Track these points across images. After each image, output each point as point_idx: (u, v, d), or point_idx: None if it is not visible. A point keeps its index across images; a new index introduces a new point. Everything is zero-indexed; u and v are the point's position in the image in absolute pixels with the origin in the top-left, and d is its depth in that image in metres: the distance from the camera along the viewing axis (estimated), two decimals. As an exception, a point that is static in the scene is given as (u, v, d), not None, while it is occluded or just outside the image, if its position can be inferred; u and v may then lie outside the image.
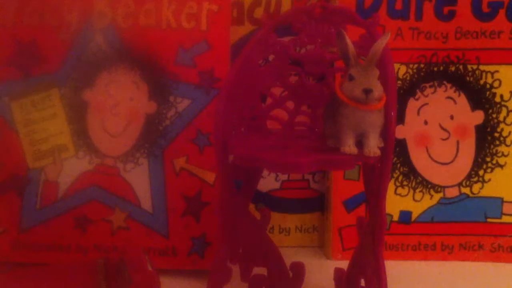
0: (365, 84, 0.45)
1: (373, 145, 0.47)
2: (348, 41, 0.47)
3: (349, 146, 0.47)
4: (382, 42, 0.47)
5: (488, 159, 0.69)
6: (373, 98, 0.45)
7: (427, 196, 0.70)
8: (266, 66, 0.57)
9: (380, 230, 0.51)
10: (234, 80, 0.51)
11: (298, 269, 0.56)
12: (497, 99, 0.69)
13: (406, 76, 0.69)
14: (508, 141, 0.69)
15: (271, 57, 0.58)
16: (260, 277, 0.56)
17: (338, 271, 0.57)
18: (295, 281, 0.56)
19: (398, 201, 0.70)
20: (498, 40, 0.68)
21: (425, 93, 0.69)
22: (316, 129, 0.57)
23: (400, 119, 0.69)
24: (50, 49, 0.63)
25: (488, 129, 0.69)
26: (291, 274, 0.56)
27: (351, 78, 0.46)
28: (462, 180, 0.70)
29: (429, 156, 0.70)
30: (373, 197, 0.52)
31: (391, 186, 0.69)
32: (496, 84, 0.69)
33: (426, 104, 0.69)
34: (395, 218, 0.70)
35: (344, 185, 0.69)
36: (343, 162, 0.47)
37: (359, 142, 0.48)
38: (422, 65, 0.69)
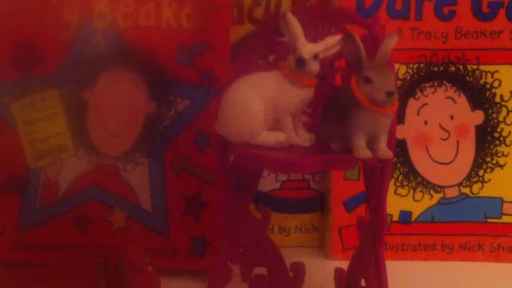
0: (386, 86, 0.44)
1: (385, 148, 0.47)
2: (359, 42, 0.46)
3: (364, 150, 0.46)
4: (391, 43, 0.46)
5: (488, 159, 0.69)
6: (394, 101, 0.45)
7: (427, 196, 0.70)
8: (266, 66, 0.57)
9: (380, 230, 0.51)
10: (234, 80, 0.51)
11: (299, 269, 0.56)
12: (497, 99, 0.69)
13: (406, 76, 0.69)
14: (508, 141, 0.69)
15: (271, 57, 0.58)
16: (260, 277, 0.56)
17: (338, 271, 0.57)
18: (295, 281, 0.56)
19: (398, 201, 0.70)
20: (498, 40, 0.68)
21: (425, 93, 0.69)
22: (317, 129, 0.57)
23: (400, 119, 0.69)
24: (50, 49, 0.63)
25: (488, 129, 0.69)
26: (291, 274, 0.56)
27: (368, 81, 0.45)
28: (462, 180, 0.70)
29: (429, 156, 0.70)
30: (373, 197, 0.52)
31: (391, 186, 0.69)
32: (496, 84, 0.69)
33: (426, 104, 0.69)
34: (395, 218, 0.70)
35: (344, 185, 0.69)
36: (344, 162, 0.47)
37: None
38: (422, 65, 0.69)
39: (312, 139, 0.50)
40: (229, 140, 0.50)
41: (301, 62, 0.47)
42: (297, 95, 0.48)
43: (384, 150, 0.47)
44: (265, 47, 0.56)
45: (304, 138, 0.50)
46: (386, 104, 0.45)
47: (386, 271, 0.50)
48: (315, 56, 0.48)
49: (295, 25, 0.48)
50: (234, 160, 0.50)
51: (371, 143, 0.46)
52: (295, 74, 0.48)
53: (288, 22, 0.48)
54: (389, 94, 0.44)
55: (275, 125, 0.50)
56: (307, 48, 0.48)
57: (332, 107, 0.49)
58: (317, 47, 0.48)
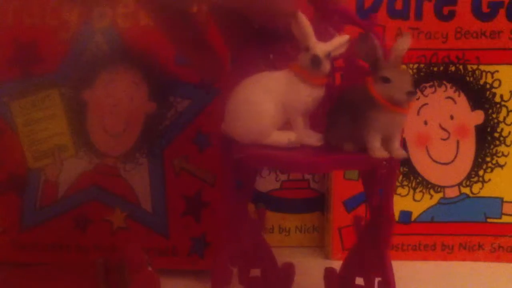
0: (406, 86, 0.44)
1: (399, 147, 0.46)
2: (377, 42, 0.46)
3: (380, 150, 0.46)
4: (405, 42, 0.46)
5: (488, 159, 0.69)
6: (414, 100, 0.45)
7: (427, 196, 0.70)
8: (265, 65, 0.56)
9: (387, 229, 0.50)
10: (234, 80, 0.50)
11: (289, 269, 0.56)
12: (497, 99, 0.69)
13: (406, 76, 0.69)
14: (508, 141, 0.69)
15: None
16: (256, 279, 0.56)
17: (329, 270, 0.56)
18: (286, 281, 0.56)
19: (398, 201, 0.70)
20: (498, 40, 0.68)
21: (425, 93, 0.69)
22: (320, 129, 0.56)
23: (400, 119, 0.69)
24: (50, 49, 0.63)
25: (488, 129, 0.69)
26: (282, 274, 0.56)
27: (386, 81, 0.45)
28: (462, 180, 0.70)
29: (429, 156, 0.70)
30: (374, 196, 0.52)
31: (391, 186, 0.69)
32: (496, 84, 0.69)
33: (426, 104, 0.69)
34: (395, 218, 0.70)
35: (344, 185, 0.69)
36: (362, 162, 0.47)
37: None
38: (422, 65, 0.69)
39: (321, 139, 0.49)
40: (237, 140, 0.49)
41: (316, 61, 0.46)
42: (309, 95, 0.47)
43: (399, 150, 0.46)
44: (264, 46, 0.55)
45: (315, 138, 0.49)
46: (405, 104, 0.45)
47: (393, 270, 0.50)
48: (328, 55, 0.47)
49: (306, 24, 0.47)
50: (244, 161, 0.49)
51: (384, 143, 0.46)
52: (308, 73, 0.47)
53: (300, 21, 0.47)
54: (410, 94, 0.44)
55: (284, 125, 0.49)
56: (320, 47, 0.47)
57: (344, 107, 0.48)
58: (329, 46, 0.48)
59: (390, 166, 0.49)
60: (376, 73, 0.46)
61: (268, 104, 0.47)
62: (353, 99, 0.47)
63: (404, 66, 0.68)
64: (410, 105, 0.46)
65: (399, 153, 0.46)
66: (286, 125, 0.49)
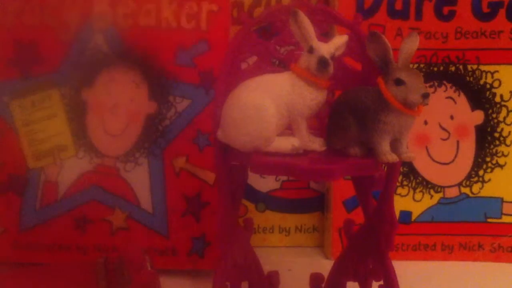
0: (421, 89, 0.43)
1: (407, 150, 0.45)
2: (387, 42, 0.44)
3: (390, 155, 0.44)
4: (414, 43, 0.45)
5: (488, 159, 0.69)
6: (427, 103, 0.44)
7: (427, 196, 0.70)
8: (248, 68, 0.53)
9: (390, 232, 0.49)
10: (224, 81, 0.49)
11: (273, 278, 0.55)
12: (497, 99, 0.69)
13: (406, 76, 0.69)
14: (508, 141, 0.69)
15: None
16: None
17: (315, 276, 0.55)
18: None
19: (398, 201, 0.70)
20: (498, 40, 0.68)
21: (425, 93, 0.69)
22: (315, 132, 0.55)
23: (400, 119, 0.69)
24: (50, 49, 0.63)
25: (488, 129, 0.69)
26: (267, 284, 0.55)
27: (400, 83, 0.43)
28: (462, 180, 0.70)
29: (429, 156, 0.70)
30: (369, 199, 0.51)
31: (391, 186, 0.69)
32: (496, 84, 0.69)
33: (426, 104, 0.69)
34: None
35: (344, 185, 0.69)
36: (370, 166, 0.46)
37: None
38: (422, 65, 0.69)
39: (324, 144, 0.48)
40: (237, 148, 0.46)
41: (325, 62, 0.45)
42: (314, 98, 0.46)
43: (408, 153, 0.45)
44: (246, 47, 0.51)
45: (318, 143, 0.47)
46: (419, 106, 0.44)
47: (396, 273, 0.50)
48: (332, 56, 0.46)
49: (307, 24, 0.45)
50: (252, 170, 0.46)
51: (391, 145, 0.45)
52: (313, 75, 0.45)
53: (300, 20, 0.45)
54: (425, 96, 0.43)
55: (285, 129, 0.47)
56: (325, 48, 0.45)
57: (349, 111, 0.46)
58: (332, 47, 0.46)
59: (392, 168, 0.49)
60: (388, 74, 0.44)
61: (273, 109, 0.45)
62: (360, 102, 0.45)
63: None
64: (421, 107, 0.45)
65: (408, 156, 0.45)
66: (285, 130, 0.47)
